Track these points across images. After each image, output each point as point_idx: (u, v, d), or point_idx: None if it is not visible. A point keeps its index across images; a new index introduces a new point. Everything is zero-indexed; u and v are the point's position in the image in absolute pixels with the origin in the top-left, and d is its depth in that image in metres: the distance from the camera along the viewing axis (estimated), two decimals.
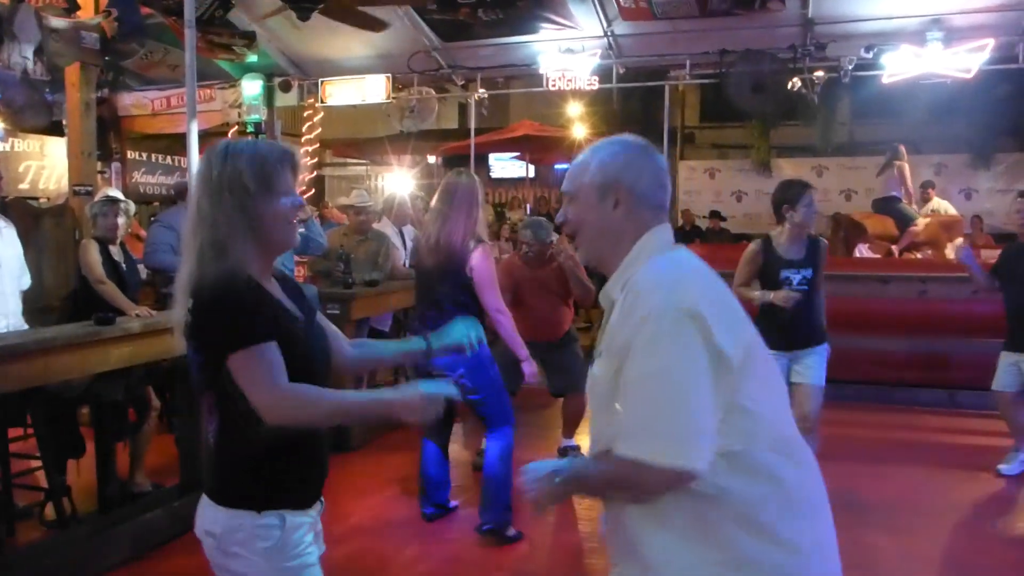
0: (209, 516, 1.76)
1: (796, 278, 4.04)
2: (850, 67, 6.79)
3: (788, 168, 15.23)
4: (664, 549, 1.49)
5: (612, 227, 1.61)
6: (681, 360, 1.40)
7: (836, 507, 1.56)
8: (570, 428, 5.24)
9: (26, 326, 4.26)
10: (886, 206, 9.14)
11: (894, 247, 8.59)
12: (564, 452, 5.09)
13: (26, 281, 4.46)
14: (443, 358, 3.81)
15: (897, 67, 6.57)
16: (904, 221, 8.83)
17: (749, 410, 1.45)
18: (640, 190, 1.60)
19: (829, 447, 3.94)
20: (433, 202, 4.00)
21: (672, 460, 1.39)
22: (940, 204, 9.32)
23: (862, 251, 8.42)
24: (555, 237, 5.00)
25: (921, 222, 8.78)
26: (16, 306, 4.23)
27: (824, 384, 4.10)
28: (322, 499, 1.87)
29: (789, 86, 7.01)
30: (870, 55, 6.69)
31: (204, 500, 1.79)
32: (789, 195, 4.02)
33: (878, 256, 8.50)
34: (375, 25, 6.47)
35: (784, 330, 3.92)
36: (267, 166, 1.73)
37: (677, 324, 1.40)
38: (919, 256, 8.50)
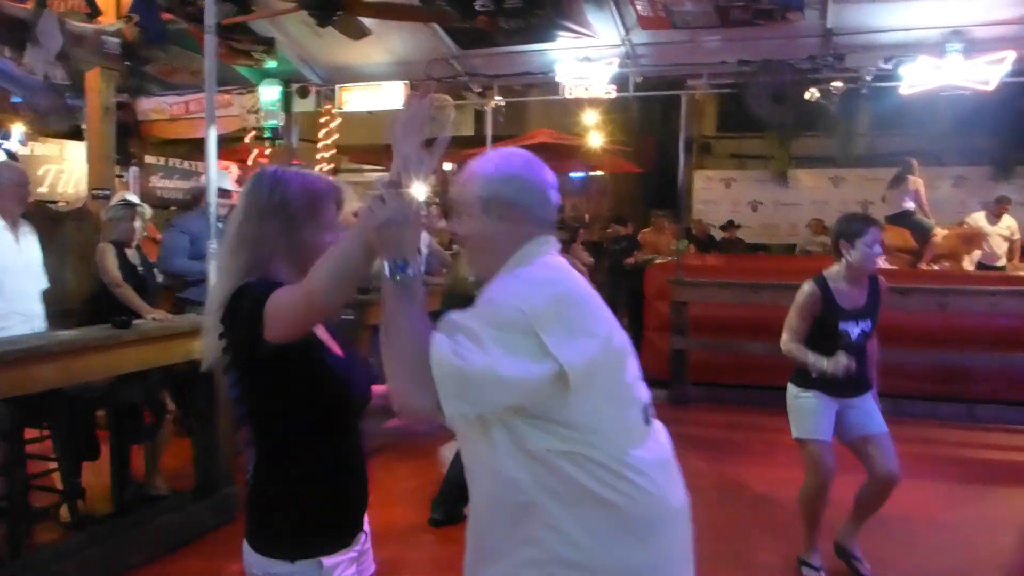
0: (249, 560, 1.72)
1: (855, 332, 3.53)
2: (869, 78, 6.76)
3: (806, 179, 15.16)
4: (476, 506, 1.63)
5: (496, 241, 1.61)
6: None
7: None
8: None
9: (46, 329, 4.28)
10: (902, 221, 9.04)
11: (921, 264, 8.50)
12: None
13: (43, 282, 4.48)
14: None
15: (916, 78, 6.52)
16: (923, 233, 8.74)
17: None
18: (522, 205, 1.61)
19: (845, 460, 3.89)
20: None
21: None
22: (1011, 222, 9.00)
23: (881, 263, 8.34)
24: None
25: (940, 232, 8.70)
26: (40, 308, 4.26)
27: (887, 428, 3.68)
28: (366, 530, 1.82)
29: (808, 97, 6.99)
30: (889, 66, 6.65)
31: (245, 543, 1.74)
32: (849, 230, 3.50)
33: (896, 268, 8.44)
34: (356, 34, 6.51)
35: (832, 380, 3.48)
36: (315, 196, 1.74)
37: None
38: (937, 268, 8.43)
